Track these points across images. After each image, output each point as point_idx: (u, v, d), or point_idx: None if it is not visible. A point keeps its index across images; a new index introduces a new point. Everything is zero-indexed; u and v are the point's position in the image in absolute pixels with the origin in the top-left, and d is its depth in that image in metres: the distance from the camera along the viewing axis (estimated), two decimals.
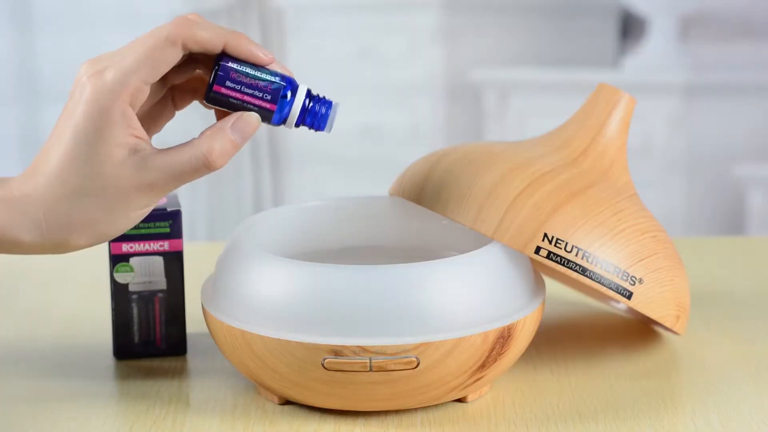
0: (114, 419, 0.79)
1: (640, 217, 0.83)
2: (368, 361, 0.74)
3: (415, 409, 0.79)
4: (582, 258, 0.79)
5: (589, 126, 0.86)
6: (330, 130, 0.76)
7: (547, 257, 0.78)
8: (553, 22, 2.70)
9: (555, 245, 0.78)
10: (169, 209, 0.86)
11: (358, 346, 0.74)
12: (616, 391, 0.82)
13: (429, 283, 0.75)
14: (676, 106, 2.54)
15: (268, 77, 0.74)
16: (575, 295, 1.01)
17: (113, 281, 0.87)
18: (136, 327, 0.87)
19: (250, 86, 0.74)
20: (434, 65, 2.67)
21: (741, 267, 1.11)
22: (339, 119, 0.76)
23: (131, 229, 0.80)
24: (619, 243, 0.80)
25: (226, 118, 0.74)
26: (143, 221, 0.85)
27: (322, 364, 0.74)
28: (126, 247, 0.86)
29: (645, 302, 0.81)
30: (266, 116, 0.74)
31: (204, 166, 0.73)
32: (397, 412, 0.79)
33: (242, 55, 0.74)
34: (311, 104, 0.75)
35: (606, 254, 0.79)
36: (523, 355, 0.86)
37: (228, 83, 0.73)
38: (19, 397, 0.82)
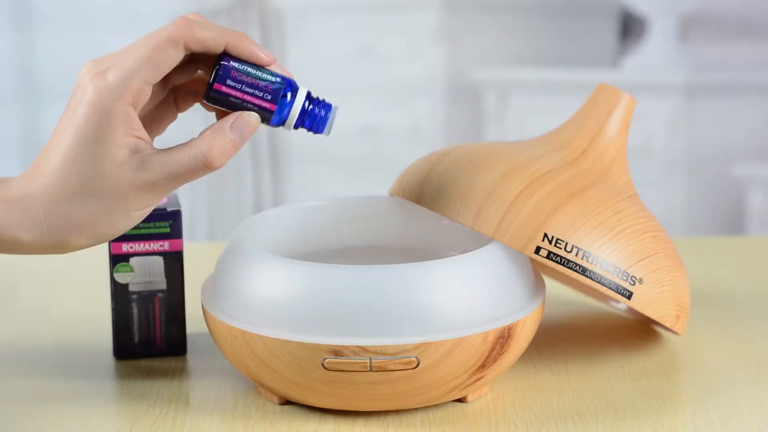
0: (114, 419, 0.79)
1: (640, 217, 0.83)
2: (368, 361, 0.74)
3: (415, 409, 0.79)
4: (582, 258, 0.79)
5: (589, 126, 0.86)
6: (329, 133, 0.76)
7: (547, 257, 0.78)
8: (553, 22, 2.70)
9: (555, 245, 0.78)
10: (169, 209, 0.86)
11: (358, 346, 0.74)
12: (616, 391, 0.82)
13: (429, 283, 0.75)
14: (676, 106, 2.54)
15: (269, 77, 0.74)
16: (575, 295, 1.01)
17: (113, 281, 0.87)
18: (136, 327, 0.87)
19: (250, 85, 0.74)
20: (434, 65, 2.67)
21: (741, 267, 1.11)
22: (339, 120, 0.76)
23: (131, 229, 0.80)
24: (619, 243, 0.80)
25: (226, 118, 0.74)
26: (143, 221, 0.85)
27: (322, 364, 0.74)
28: (126, 247, 0.86)
29: (645, 302, 0.81)
30: (266, 117, 0.74)
31: (203, 166, 0.73)
32: (397, 412, 0.79)
33: (244, 55, 0.74)
34: (311, 107, 0.75)
35: (606, 254, 0.79)
36: (523, 355, 0.86)
37: (229, 82, 0.73)
38: (19, 397, 0.82)
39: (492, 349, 0.76)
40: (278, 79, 0.74)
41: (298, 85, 0.75)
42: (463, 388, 0.78)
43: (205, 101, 0.75)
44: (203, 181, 2.66)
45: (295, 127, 0.75)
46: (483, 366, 0.76)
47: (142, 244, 0.86)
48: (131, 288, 0.87)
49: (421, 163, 0.88)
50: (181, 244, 0.87)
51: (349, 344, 0.74)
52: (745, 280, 1.07)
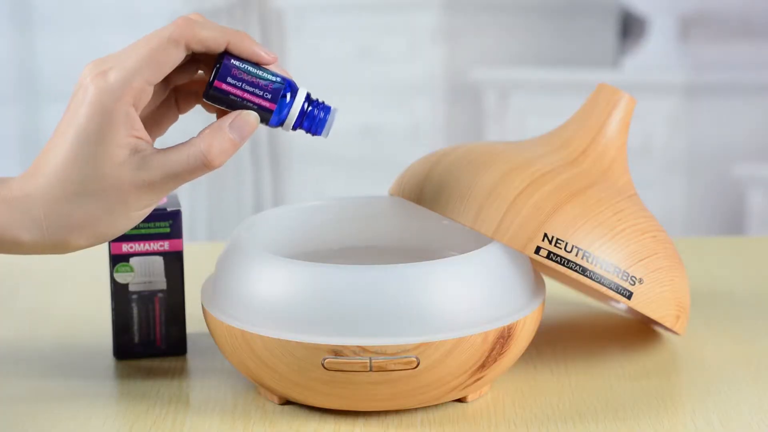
0: (114, 419, 0.79)
1: (640, 217, 0.83)
2: (368, 361, 0.74)
3: (415, 409, 0.79)
4: (582, 258, 0.79)
5: (589, 126, 0.86)
6: (327, 135, 0.76)
7: (547, 257, 0.78)
8: (553, 22, 2.70)
9: (555, 245, 0.78)
10: (169, 209, 0.86)
11: (358, 346, 0.74)
12: (616, 391, 0.82)
13: (429, 283, 0.75)
14: (676, 106, 2.54)
15: (270, 76, 0.74)
16: (575, 295, 1.01)
17: (113, 281, 0.87)
18: (136, 327, 0.87)
19: (251, 84, 0.74)
20: (434, 65, 2.67)
21: (741, 267, 1.11)
22: (339, 120, 0.76)
23: (131, 229, 0.80)
24: (619, 243, 0.80)
25: (224, 117, 0.74)
26: (143, 221, 0.85)
27: (322, 364, 0.74)
28: (126, 247, 0.86)
29: (645, 302, 0.81)
30: (265, 116, 0.74)
31: (203, 165, 0.73)
32: (397, 412, 0.79)
33: (245, 54, 0.74)
34: (310, 108, 0.75)
35: (606, 254, 0.79)
36: (523, 355, 0.86)
37: (229, 79, 0.73)
38: (19, 397, 0.82)
39: (492, 349, 0.76)
40: (278, 79, 0.74)
41: (298, 86, 0.75)
42: (463, 388, 0.78)
43: (205, 99, 0.75)
44: (203, 181, 2.66)
45: (294, 128, 0.75)
46: (483, 366, 0.76)
47: (142, 244, 0.86)
48: (131, 288, 0.87)
49: (421, 163, 0.88)
50: (181, 244, 0.87)
51: (349, 344, 0.74)
52: (745, 280, 1.07)
